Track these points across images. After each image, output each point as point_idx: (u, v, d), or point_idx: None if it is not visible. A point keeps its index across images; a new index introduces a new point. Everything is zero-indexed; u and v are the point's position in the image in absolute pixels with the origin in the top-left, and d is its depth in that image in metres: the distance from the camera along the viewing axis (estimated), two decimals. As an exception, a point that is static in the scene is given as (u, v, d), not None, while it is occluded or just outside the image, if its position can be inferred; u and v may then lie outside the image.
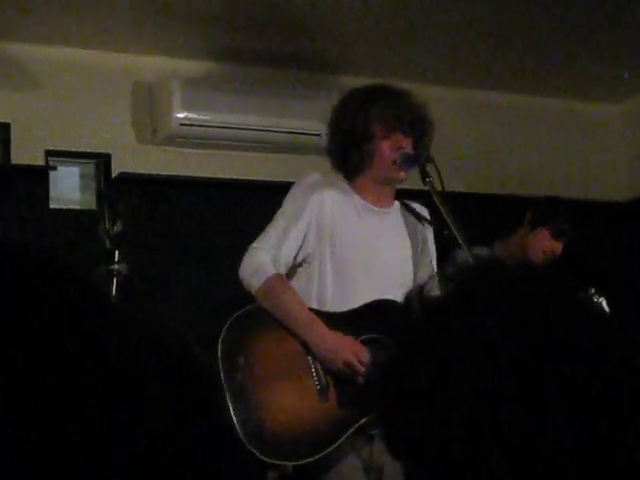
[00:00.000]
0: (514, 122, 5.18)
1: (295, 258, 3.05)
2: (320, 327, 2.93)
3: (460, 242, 2.89)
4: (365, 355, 2.90)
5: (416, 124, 3.07)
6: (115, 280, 3.13)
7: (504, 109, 5.16)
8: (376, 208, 3.14)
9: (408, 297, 3.10)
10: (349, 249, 3.05)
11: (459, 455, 0.95)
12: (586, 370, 0.96)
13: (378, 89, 3.13)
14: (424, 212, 3.23)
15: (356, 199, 3.12)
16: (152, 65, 4.39)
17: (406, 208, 3.22)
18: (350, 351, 2.89)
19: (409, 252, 3.14)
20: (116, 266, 3.14)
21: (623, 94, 5.28)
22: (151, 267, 4.18)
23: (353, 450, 2.91)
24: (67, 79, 4.24)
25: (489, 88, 5.05)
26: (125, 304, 3.10)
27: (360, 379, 2.89)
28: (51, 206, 4.20)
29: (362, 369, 2.88)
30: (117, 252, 3.16)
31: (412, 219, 3.21)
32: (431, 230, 3.21)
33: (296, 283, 3.08)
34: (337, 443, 2.84)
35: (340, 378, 2.91)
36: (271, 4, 3.94)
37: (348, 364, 2.88)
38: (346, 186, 3.15)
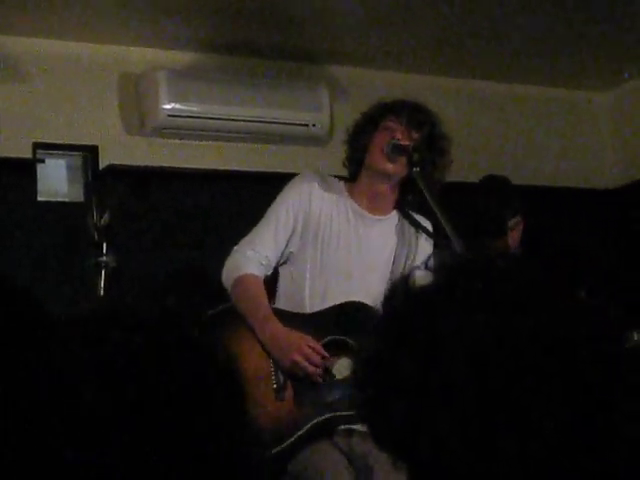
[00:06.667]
0: (503, 111, 5.18)
1: (280, 257, 3.04)
2: (273, 325, 2.88)
3: (448, 233, 2.87)
4: (316, 356, 2.83)
5: (426, 144, 3.06)
6: (103, 272, 3.13)
7: (492, 98, 5.15)
8: (369, 215, 3.08)
9: (392, 288, 3.03)
10: (332, 252, 3.01)
11: (446, 445, 0.95)
12: (572, 362, 0.96)
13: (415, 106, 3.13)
14: (426, 225, 3.15)
15: (349, 203, 3.07)
16: (139, 56, 4.37)
17: (406, 218, 3.14)
18: (298, 350, 2.82)
19: (390, 262, 3.06)
20: (104, 258, 3.14)
21: (612, 82, 5.29)
22: (139, 259, 4.17)
23: (333, 446, 2.85)
24: (54, 71, 4.22)
25: (478, 77, 5.04)
26: (112, 296, 3.10)
27: (314, 378, 2.84)
28: (39, 199, 4.17)
29: (311, 369, 2.82)
30: (105, 244, 3.15)
31: (410, 230, 3.12)
32: (430, 243, 3.13)
33: (282, 282, 3.07)
34: (288, 442, 2.78)
35: (297, 377, 2.86)
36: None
37: (295, 363, 2.83)
38: (342, 189, 3.11)
